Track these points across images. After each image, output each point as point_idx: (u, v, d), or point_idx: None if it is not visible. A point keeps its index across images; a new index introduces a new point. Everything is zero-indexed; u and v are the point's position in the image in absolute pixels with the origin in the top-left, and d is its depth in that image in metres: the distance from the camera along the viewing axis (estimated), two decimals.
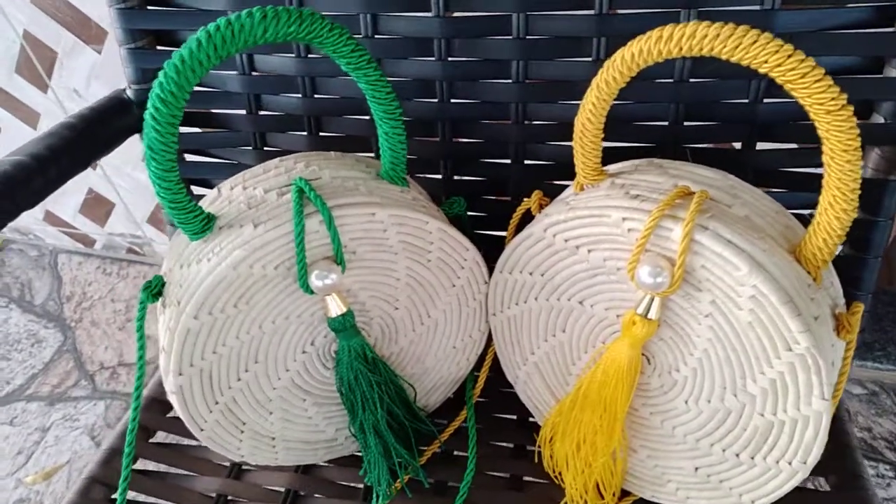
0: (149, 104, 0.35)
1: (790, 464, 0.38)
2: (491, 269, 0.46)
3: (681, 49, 0.33)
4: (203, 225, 0.41)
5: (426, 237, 0.44)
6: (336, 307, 0.42)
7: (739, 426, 0.40)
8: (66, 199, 1.35)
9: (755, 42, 0.31)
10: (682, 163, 0.43)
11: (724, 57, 0.32)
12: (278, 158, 0.46)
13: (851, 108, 0.31)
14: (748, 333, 0.37)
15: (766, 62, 0.31)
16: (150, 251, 1.45)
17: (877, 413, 1.03)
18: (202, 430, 0.44)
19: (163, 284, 0.43)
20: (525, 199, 0.47)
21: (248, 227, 0.40)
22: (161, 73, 0.35)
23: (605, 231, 0.39)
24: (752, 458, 0.40)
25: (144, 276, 1.48)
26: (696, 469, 0.43)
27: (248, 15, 0.35)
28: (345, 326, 0.43)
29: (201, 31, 0.35)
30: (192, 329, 0.40)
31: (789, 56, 0.31)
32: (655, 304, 0.38)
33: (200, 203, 0.44)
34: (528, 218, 0.46)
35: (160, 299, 0.43)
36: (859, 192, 0.34)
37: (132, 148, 1.16)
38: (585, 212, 0.39)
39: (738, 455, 0.41)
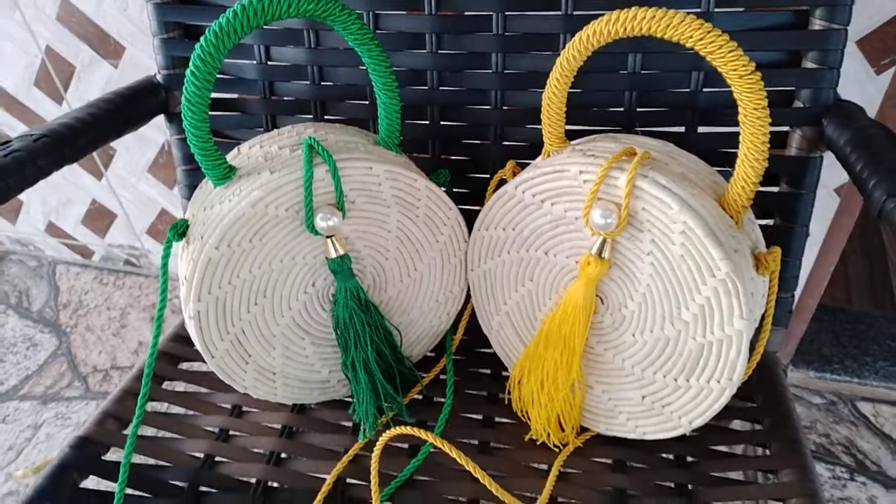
0: (190, 64, 0.43)
1: (719, 382, 0.45)
2: (471, 231, 0.53)
3: (625, 29, 0.42)
4: (225, 172, 0.48)
5: (415, 193, 0.51)
6: (335, 250, 0.49)
7: (677, 352, 0.46)
8: (70, 209, 1.42)
9: (682, 21, 0.40)
10: (633, 136, 0.51)
11: (658, 34, 0.41)
12: (290, 125, 0.54)
13: (759, 74, 0.39)
14: (681, 266, 0.44)
15: (691, 37, 0.40)
16: (147, 263, 1.51)
17: (834, 421, 1.10)
18: (213, 357, 0.50)
19: (187, 226, 0.49)
20: (501, 170, 0.54)
21: (265, 173, 0.47)
22: (202, 38, 0.42)
23: (565, 184, 0.47)
24: (688, 380, 0.47)
25: (140, 287, 1.54)
26: (643, 398, 0.50)
27: None
28: (342, 268, 0.50)
29: (237, 5, 0.43)
30: (212, 259, 0.46)
31: (709, 32, 0.39)
32: (607, 245, 0.46)
33: None
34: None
35: (184, 238, 0.49)
36: (768, 144, 0.42)
37: (139, 157, 1.24)
38: (549, 168, 0.47)
39: (675, 379, 0.47)
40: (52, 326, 1.47)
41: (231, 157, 0.53)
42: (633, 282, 0.47)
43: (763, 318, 0.49)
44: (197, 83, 0.43)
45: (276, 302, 0.51)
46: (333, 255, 0.49)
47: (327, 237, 0.49)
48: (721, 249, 0.42)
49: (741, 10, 0.52)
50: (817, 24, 0.51)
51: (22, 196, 1.46)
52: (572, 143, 0.51)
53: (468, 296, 0.57)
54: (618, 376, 0.50)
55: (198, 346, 0.49)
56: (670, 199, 0.42)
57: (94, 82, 1.14)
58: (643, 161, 0.44)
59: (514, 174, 0.54)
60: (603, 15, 0.54)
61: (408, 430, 0.51)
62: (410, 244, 0.53)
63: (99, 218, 1.41)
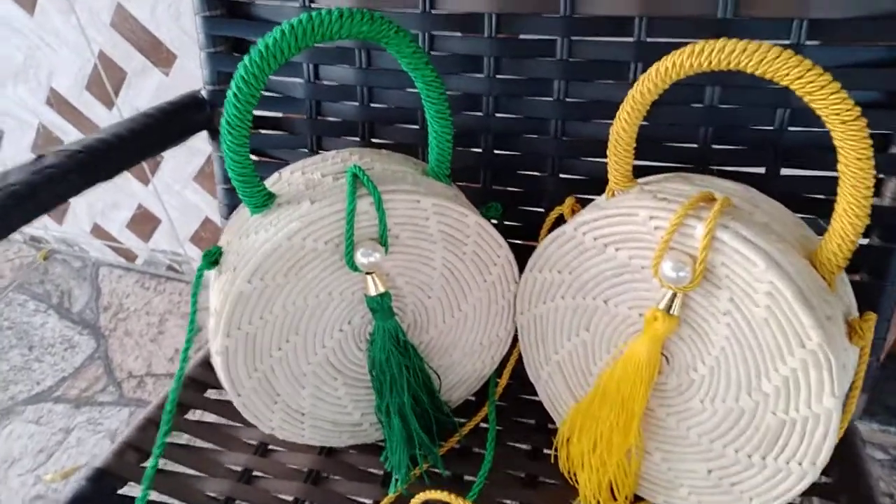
0: (232, 84, 0.40)
1: (800, 464, 0.40)
2: (522, 271, 0.49)
3: (710, 62, 0.37)
4: (264, 200, 0.45)
5: (464, 230, 0.47)
6: (375, 287, 0.45)
7: (752, 426, 0.41)
8: (116, 213, 1.43)
9: (778, 57, 0.35)
10: (708, 176, 0.46)
11: (749, 70, 0.36)
12: (335, 150, 0.51)
13: (865, 120, 0.34)
14: (763, 330, 0.39)
15: (787, 75, 0.35)
16: (189, 269, 1.51)
17: None
18: (239, 395, 0.47)
19: (220, 254, 0.46)
20: (559, 206, 0.50)
21: (305, 203, 0.44)
22: (245, 58, 0.39)
23: (632, 229, 0.42)
24: (764, 458, 0.41)
25: (181, 293, 1.53)
26: (709, 472, 0.44)
27: (328, 12, 0.40)
28: (382, 307, 0.46)
29: (285, 23, 0.39)
30: (244, 293, 0.43)
31: (809, 70, 0.35)
32: (677, 300, 0.41)
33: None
34: (560, 224, 0.49)
35: (216, 267, 0.46)
36: (871, 199, 0.36)
37: (186, 165, 1.23)
38: (615, 210, 0.43)
39: (750, 456, 0.42)
40: (91, 328, 1.48)
41: (271, 183, 0.49)
42: (706, 343, 0.42)
43: (850, 389, 0.43)
44: (238, 105, 0.40)
45: (310, 339, 0.47)
46: (373, 292, 0.46)
47: (367, 273, 0.45)
48: (813, 316, 0.36)
49: (835, 44, 0.47)
50: None
51: None
52: (640, 181, 0.47)
53: (515, 339, 0.53)
54: (681, 445, 0.45)
55: (223, 383, 0.46)
56: (755, 255, 0.37)
57: (146, 89, 1.14)
58: (724, 207, 0.39)
59: (574, 212, 0.50)
60: (678, 44, 0.49)
61: (443, 495, 0.47)
62: (456, 283, 0.49)
63: (144, 223, 1.42)
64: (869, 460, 0.49)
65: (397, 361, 0.48)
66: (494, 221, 0.54)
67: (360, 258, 0.44)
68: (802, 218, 0.50)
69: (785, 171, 0.50)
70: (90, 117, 1.25)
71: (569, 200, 0.49)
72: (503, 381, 0.57)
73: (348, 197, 0.43)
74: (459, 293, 0.50)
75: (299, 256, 0.44)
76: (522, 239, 0.58)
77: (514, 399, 0.58)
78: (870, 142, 0.35)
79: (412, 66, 0.44)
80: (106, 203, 1.43)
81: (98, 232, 1.51)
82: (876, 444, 1.05)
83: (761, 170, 0.51)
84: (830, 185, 0.50)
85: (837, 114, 0.35)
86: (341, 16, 0.40)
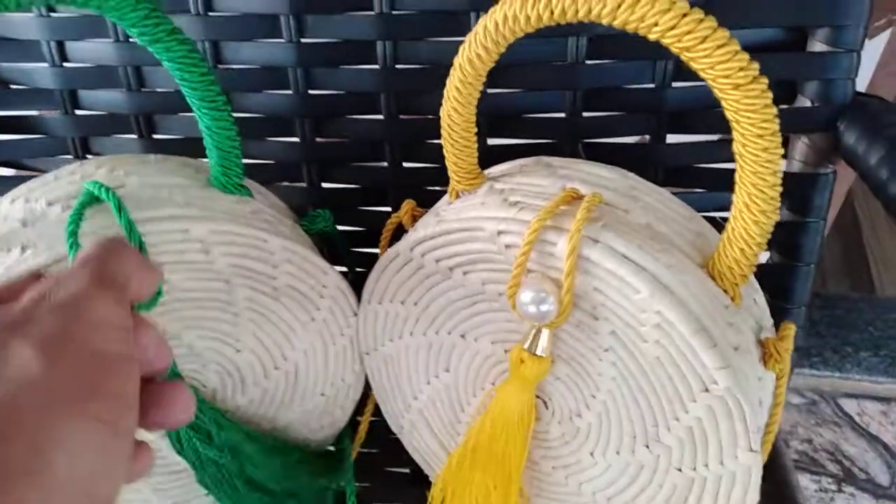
0: None
1: None
2: None
3: (552, 12, 0.25)
4: None
5: (267, 259, 0.35)
6: None
7: (654, 483, 0.32)
8: None
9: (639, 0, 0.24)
10: (575, 161, 0.35)
11: (604, 21, 0.25)
12: (79, 163, 0.37)
13: (765, 80, 0.24)
14: (656, 370, 0.29)
15: (655, 24, 0.24)
16: None
17: (816, 423, 0.99)
18: None
19: None
20: (395, 214, 0.38)
21: (16, 250, 0.30)
22: None
23: (479, 248, 0.31)
24: None
25: None
26: None
27: None
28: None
29: None
30: None
31: (684, 15, 0.24)
32: (544, 336, 0.31)
33: None
34: (401, 234, 0.38)
35: None
36: (780, 188, 0.27)
37: None
38: (456, 224, 0.31)
39: None
40: None
41: None
42: (589, 385, 0.32)
43: (768, 423, 0.34)
44: None
45: None
46: None
47: None
48: (716, 353, 0.27)
49: None
50: None
51: None
52: (489, 173, 0.36)
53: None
54: (572, 502, 0.36)
55: None
56: (636, 279, 0.27)
57: None
58: (591, 211, 0.29)
59: (415, 218, 0.38)
60: None
61: None
62: (273, 327, 0.37)
63: None
64: (801, 491, 0.42)
65: (192, 447, 0.36)
66: (327, 232, 0.42)
67: None
68: (699, 194, 0.41)
69: (672, 139, 0.40)
70: None
71: (406, 205, 0.38)
72: (363, 426, 0.46)
73: (67, 238, 0.29)
74: (281, 340, 0.38)
75: None
76: (370, 246, 0.47)
77: (384, 442, 0.47)
78: (773, 111, 0.25)
79: (147, 37, 0.31)
80: None
81: None
82: (791, 389, 1.03)
83: (643, 138, 0.40)
84: (727, 152, 0.41)
85: (727, 75, 0.24)
86: None
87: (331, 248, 0.44)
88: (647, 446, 0.31)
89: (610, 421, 0.32)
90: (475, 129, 0.33)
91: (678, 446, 0.30)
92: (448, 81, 0.31)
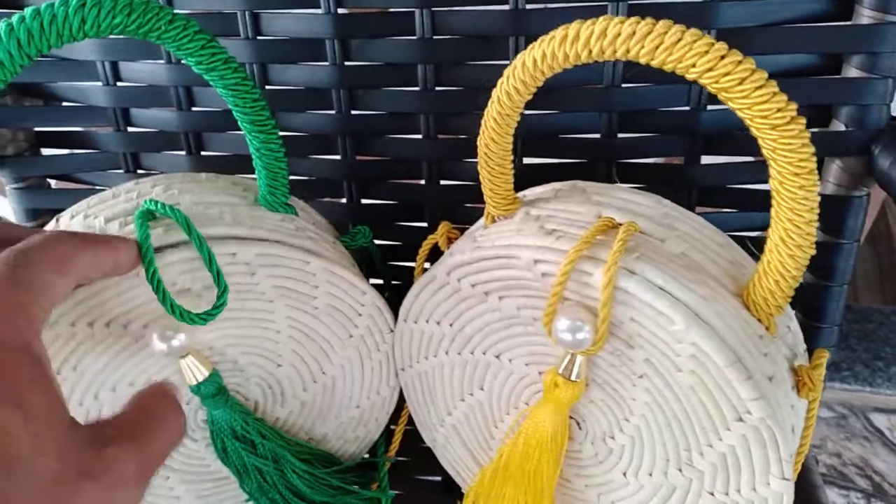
0: None
1: None
2: None
3: (590, 52, 0.26)
4: None
5: (309, 280, 0.36)
6: (193, 373, 0.34)
7: None
8: None
9: (679, 41, 0.24)
10: (609, 186, 0.36)
11: (642, 60, 0.25)
12: (135, 181, 0.38)
13: (803, 120, 0.25)
14: (690, 399, 0.30)
15: (693, 66, 0.25)
16: None
17: (846, 437, 0.98)
18: None
19: None
20: (431, 235, 0.39)
21: None
22: None
23: (515, 275, 0.32)
24: None
25: None
26: None
27: (63, 3, 0.28)
28: (210, 393, 0.35)
29: (3, 24, 0.27)
30: None
31: (722, 57, 0.24)
32: (579, 362, 0.31)
33: None
34: (438, 255, 0.39)
35: None
36: (817, 223, 0.27)
37: None
38: (492, 251, 0.32)
39: None
40: None
41: None
42: (622, 409, 0.33)
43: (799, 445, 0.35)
44: None
45: None
46: (194, 380, 0.35)
47: (181, 358, 0.34)
48: (751, 386, 0.27)
49: None
50: (865, 14, 0.35)
51: None
52: (524, 198, 0.36)
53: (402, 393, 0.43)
54: None
55: None
56: (672, 311, 0.28)
57: None
58: (627, 242, 0.29)
59: (450, 240, 0.39)
60: (568, 8, 0.39)
61: None
62: (312, 343, 0.39)
63: None
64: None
65: (249, 460, 0.37)
66: (365, 246, 0.43)
67: (159, 344, 0.32)
68: (731, 214, 0.41)
69: (705, 160, 0.40)
70: None
71: (443, 227, 0.39)
72: (397, 435, 0.47)
73: (143, 250, 0.31)
74: (320, 355, 0.39)
75: (73, 346, 0.32)
76: (406, 259, 0.48)
77: (414, 449, 0.48)
78: (811, 150, 0.25)
79: (204, 65, 0.32)
80: None
81: None
82: (820, 402, 1.01)
83: (678, 160, 0.41)
84: (761, 173, 0.41)
85: (764, 116, 0.25)
86: (83, 5, 0.28)
87: (368, 261, 0.45)
88: (681, 470, 0.32)
89: (643, 444, 0.33)
90: (511, 158, 0.33)
91: (711, 471, 0.31)
92: (486, 112, 0.32)
